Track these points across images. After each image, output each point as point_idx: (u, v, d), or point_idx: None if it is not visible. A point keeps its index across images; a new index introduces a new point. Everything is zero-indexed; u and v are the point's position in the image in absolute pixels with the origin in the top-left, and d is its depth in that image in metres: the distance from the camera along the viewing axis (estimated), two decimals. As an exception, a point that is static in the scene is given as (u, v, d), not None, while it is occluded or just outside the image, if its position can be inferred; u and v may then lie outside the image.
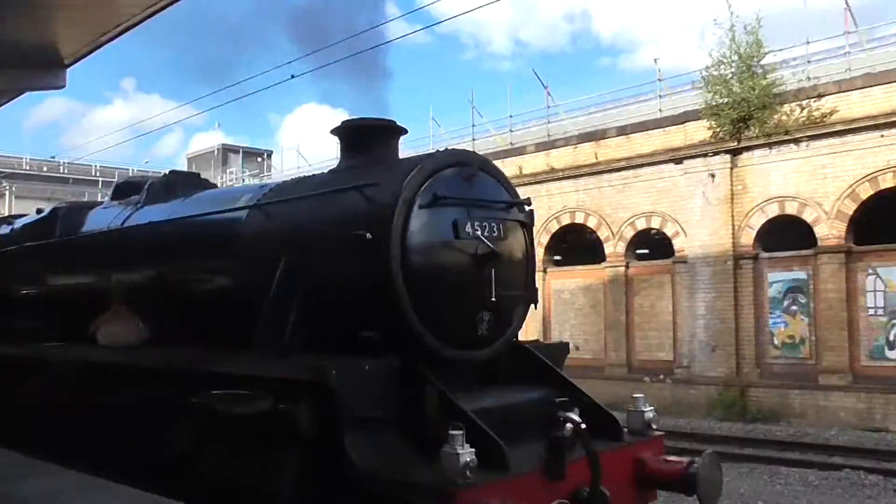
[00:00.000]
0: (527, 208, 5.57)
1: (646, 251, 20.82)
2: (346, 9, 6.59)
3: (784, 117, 17.23)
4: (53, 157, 46.21)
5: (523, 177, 21.41)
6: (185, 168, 33.05)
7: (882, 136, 16.21)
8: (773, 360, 17.79)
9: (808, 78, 17.55)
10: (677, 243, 19.27)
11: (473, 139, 24.75)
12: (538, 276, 12.43)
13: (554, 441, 4.44)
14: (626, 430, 5.27)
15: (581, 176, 21.08)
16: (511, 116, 24.70)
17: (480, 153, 6.29)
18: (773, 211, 17.75)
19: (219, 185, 18.26)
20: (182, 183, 7.88)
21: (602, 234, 20.83)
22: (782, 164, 17.43)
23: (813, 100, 16.98)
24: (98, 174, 47.77)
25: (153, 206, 7.47)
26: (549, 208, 21.54)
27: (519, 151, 23.09)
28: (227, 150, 45.91)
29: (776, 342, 17.69)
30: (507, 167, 19.86)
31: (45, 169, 47.90)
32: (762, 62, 17.63)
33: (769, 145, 17.48)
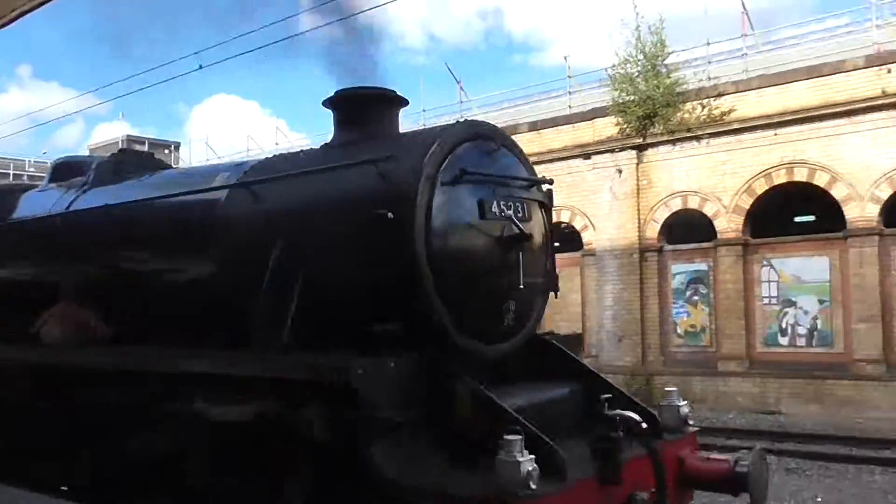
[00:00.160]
0: (545, 188, 5.05)
1: (556, 244, 20.77)
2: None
3: (686, 115, 17.55)
4: (-62, 147, 41.63)
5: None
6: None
7: (775, 134, 16.79)
8: (677, 349, 18.16)
9: (709, 78, 17.92)
10: (586, 236, 19.29)
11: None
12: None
13: (608, 442, 3.97)
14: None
15: (489, 171, 20.74)
16: (424, 111, 24.24)
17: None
18: (676, 205, 18.06)
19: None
20: (133, 163, 6.87)
21: (510, 228, 20.57)
22: (685, 160, 17.76)
23: (713, 99, 17.37)
24: (-11, 165, 43.45)
25: (103, 188, 6.41)
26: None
27: (430, 145, 22.50)
28: (132, 141, 42.88)
29: (679, 331, 18.05)
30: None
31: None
32: (666, 62, 17.93)
33: (673, 142, 17.78)
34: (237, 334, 4.88)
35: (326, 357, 4.16)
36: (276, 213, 4.88)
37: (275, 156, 5.65)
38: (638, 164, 18.23)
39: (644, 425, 4.00)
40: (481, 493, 3.60)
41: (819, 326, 16.73)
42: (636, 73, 17.87)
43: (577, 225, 19.48)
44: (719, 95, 17.35)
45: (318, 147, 5.45)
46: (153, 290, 5.66)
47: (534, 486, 3.52)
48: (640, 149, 18.12)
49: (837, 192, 16.33)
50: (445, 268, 4.27)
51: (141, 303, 5.67)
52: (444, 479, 3.87)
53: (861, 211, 16.13)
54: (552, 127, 19.93)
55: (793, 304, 16.99)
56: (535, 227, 4.83)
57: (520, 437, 3.59)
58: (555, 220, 20.36)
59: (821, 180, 16.48)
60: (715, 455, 4.69)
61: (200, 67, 13.70)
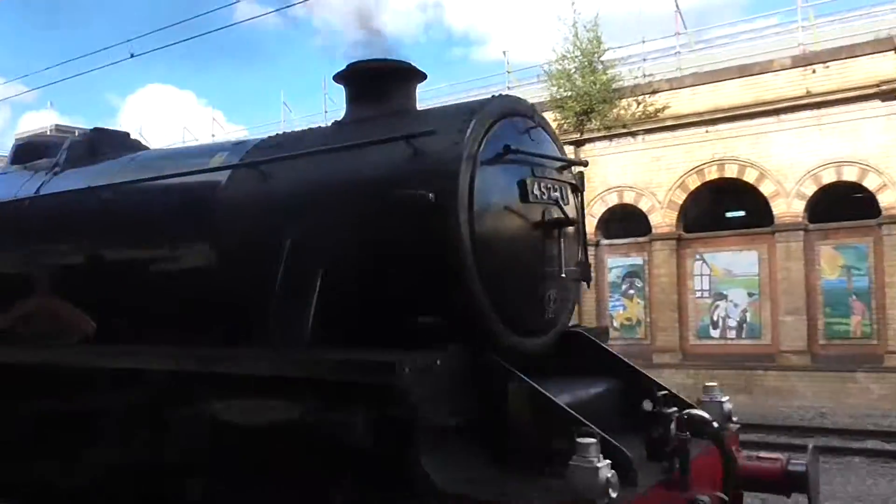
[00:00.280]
0: (575, 170, 4.68)
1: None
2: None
3: (622, 111, 17.62)
4: None
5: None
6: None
7: (707, 131, 17.06)
8: (613, 342, 18.08)
9: (644, 75, 18.01)
10: (524, 231, 19.15)
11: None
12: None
13: (678, 444, 3.63)
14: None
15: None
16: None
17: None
18: (612, 200, 18.11)
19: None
20: (109, 143, 6.10)
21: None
22: (621, 155, 17.83)
23: (648, 96, 17.49)
24: None
25: (78, 169, 5.67)
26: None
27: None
28: (60, 131, 39.81)
29: (615, 324, 18.12)
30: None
31: None
32: (602, 58, 17.96)
33: (609, 137, 17.81)
34: (238, 331, 4.33)
35: (370, 353, 3.66)
36: (290, 195, 4.33)
37: (280, 134, 5.07)
38: (575, 160, 18.17)
39: (715, 425, 3.68)
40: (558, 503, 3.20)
41: (748, 319, 17.10)
42: (573, 70, 17.83)
43: (515, 220, 19.27)
44: (654, 92, 17.49)
45: (329, 125, 4.93)
46: (143, 282, 4.99)
47: (613, 495, 3.16)
48: (578, 144, 18.05)
49: (765, 189, 16.73)
50: (488, 255, 3.84)
51: (129, 296, 5.00)
52: (502, 488, 3.45)
53: (788, 207, 16.58)
54: (490, 121, 19.57)
55: (724, 297, 17.31)
56: (570, 212, 4.45)
57: (595, 440, 3.21)
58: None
59: (750, 177, 16.84)
60: (764, 454, 4.38)
61: (132, 56, 13.11)
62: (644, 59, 18.35)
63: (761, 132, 16.49)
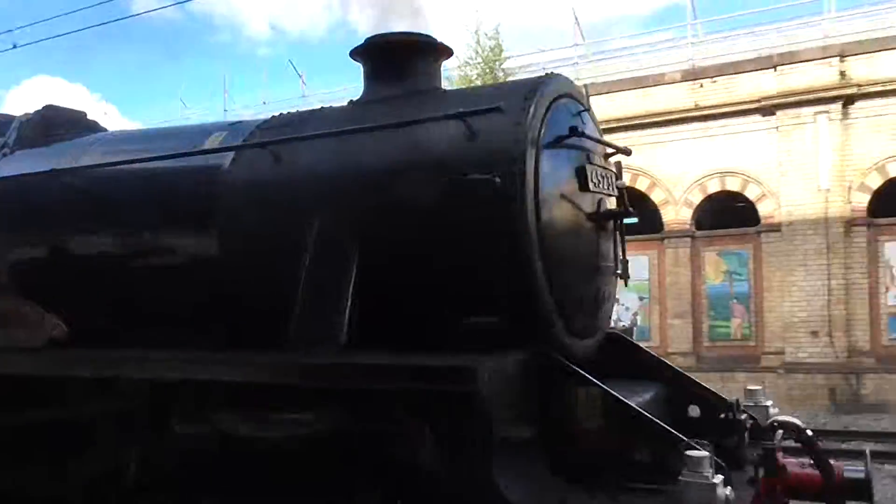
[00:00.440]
0: (612, 160, 4.36)
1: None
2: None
3: (522, 118, 17.72)
4: None
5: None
6: None
7: (603, 140, 17.46)
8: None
9: (543, 83, 18.23)
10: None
11: (225, 123, 22.12)
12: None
13: (768, 455, 3.39)
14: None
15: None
16: (265, 103, 22.89)
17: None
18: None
19: None
20: (63, 122, 5.25)
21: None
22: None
23: (546, 104, 17.72)
24: None
25: (32, 151, 4.78)
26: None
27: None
28: None
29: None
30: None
31: None
32: (503, 66, 18.02)
33: (509, 143, 17.85)
34: (242, 331, 3.74)
35: (437, 358, 3.18)
36: (314, 178, 3.78)
37: (288, 113, 4.48)
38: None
39: (809, 433, 3.47)
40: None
41: (639, 322, 17.59)
42: (475, 76, 17.78)
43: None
44: (553, 101, 17.68)
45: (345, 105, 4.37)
46: (125, 278, 4.25)
47: (731, 514, 2.87)
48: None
49: (656, 197, 17.30)
50: (551, 248, 3.47)
51: (107, 293, 4.23)
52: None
53: (676, 214, 17.23)
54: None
55: (616, 300, 17.68)
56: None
57: (707, 453, 2.92)
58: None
59: (642, 185, 17.34)
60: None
61: (15, 47, 11.91)
62: (543, 69, 18.48)
63: (653, 142, 17.01)
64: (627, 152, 4.18)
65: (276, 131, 4.04)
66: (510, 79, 17.83)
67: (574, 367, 3.37)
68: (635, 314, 17.52)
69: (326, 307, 3.49)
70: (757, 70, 16.41)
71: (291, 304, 3.60)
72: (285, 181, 3.85)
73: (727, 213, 16.93)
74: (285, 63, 48.16)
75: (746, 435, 3.52)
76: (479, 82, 17.69)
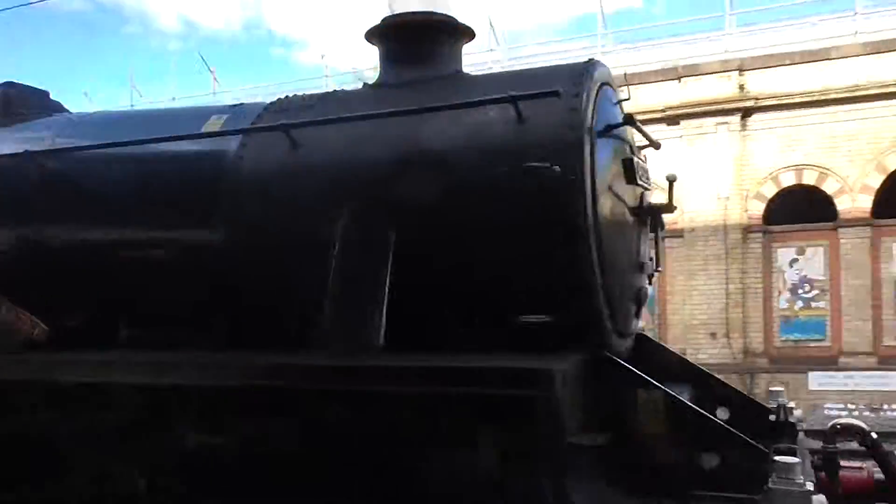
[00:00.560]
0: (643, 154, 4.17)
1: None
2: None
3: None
4: None
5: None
6: None
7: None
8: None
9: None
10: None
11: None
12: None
13: (830, 459, 3.30)
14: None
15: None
16: (174, 98, 21.91)
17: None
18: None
19: None
20: (25, 102, 4.61)
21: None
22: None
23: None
24: None
25: None
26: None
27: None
28: None
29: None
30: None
31: None
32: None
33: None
34: (246, 330, 3.35)
35: (496, 359, 2.91)
36: (341, 165, 3.42)
37: (293, 96, 4.07)
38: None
39: (874, 435, 3.41)
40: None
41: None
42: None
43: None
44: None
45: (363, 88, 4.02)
46: (116, 275, 3.69)
47: (825, 529, 2.73)
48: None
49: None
50: (604, 242, 3.27)
51: (93, 292, 3.68)
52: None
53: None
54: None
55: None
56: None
57: (798, 459, 2.79)
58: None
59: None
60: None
61: None
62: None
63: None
64: (657, 146, 4.03)
65: (292, 114, 3.64)
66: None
67: (631, 367, 3.18)
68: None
69: (361, 304, 3.15)
70: (662, 80, 16.97)
71: (314, 300, 3.24)
72: (307, 167, 3.46)
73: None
74: (197, 58, 46.33)
75: (797, 438, 3.43)
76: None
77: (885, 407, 14.49)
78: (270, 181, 3.52)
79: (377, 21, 3.85)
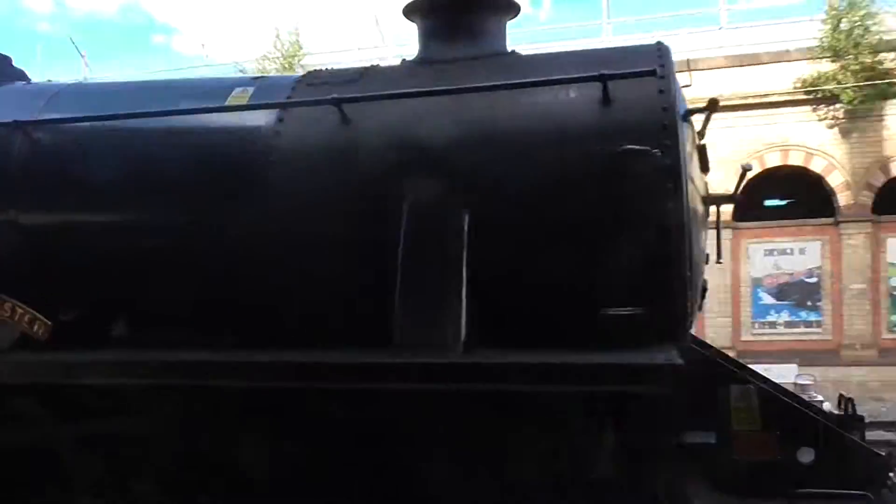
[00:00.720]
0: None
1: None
2: None
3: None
4: None
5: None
6: None
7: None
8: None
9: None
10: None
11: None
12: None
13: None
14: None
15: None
16: (50, 80, 19.18)
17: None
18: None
19: None
20: None
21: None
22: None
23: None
24: None
25: None
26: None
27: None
28: None
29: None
30: None
31: None
32: (302, 62, 17.24)
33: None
34: (253, 328, 2.97)
35: (609, 355, 2.67)
36: (401, 143, 3.07)
37: (333, 70, 3.70)
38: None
39: None
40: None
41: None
42: (273, 70, 16.84)
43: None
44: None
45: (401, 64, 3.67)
46: (123, 268, 3.14)
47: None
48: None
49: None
50: (691, 232, 3.13)
51: (101, 286, 3.14)
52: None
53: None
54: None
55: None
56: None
57: None
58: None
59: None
60: None
61: None
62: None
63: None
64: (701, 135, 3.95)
65: (335, 88, 3.24)
66: (310, 76, 17.26)
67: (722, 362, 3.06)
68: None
69: (437, 303, 2.82)
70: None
71: (376, 289, 2.90)
72: (361, 143, 3.09)
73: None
74: (67, 41, 42.80)
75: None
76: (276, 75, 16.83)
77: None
78: (317, 157, 3.12)
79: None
